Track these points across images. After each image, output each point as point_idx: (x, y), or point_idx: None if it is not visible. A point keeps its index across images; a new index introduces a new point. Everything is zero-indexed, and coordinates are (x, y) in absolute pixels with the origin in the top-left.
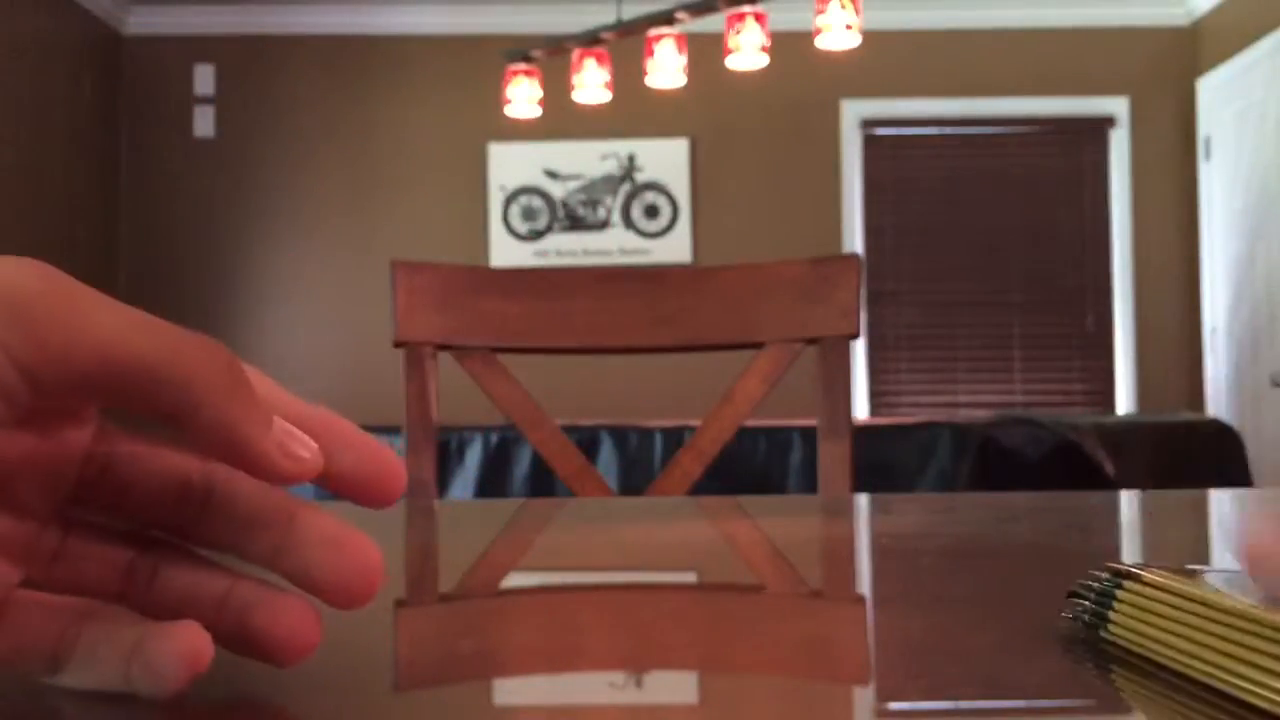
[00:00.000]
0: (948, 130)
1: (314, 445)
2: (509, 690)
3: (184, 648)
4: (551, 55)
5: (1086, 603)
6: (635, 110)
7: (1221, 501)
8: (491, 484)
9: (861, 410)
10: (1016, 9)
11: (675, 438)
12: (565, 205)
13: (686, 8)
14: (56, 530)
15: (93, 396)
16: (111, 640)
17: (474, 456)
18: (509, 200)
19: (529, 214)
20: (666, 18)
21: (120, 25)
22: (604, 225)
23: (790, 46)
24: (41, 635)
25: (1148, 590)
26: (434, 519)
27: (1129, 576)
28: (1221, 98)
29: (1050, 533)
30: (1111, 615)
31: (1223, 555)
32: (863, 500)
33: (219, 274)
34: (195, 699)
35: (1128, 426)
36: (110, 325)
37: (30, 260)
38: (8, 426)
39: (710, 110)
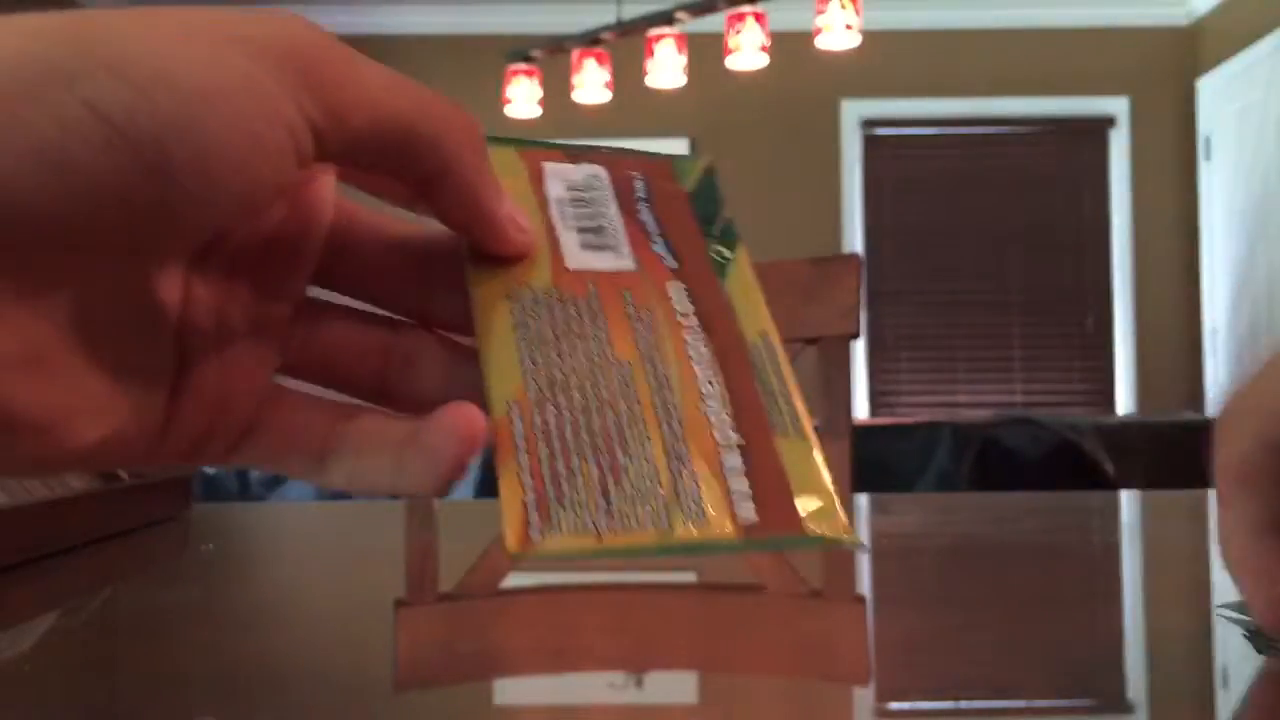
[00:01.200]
0: (948, 130)
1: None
2: (509, 690)
3: (461, 425)
4: (551, 55)
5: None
6: (635, 110)
7: None
8: (491, 484)
9: (861, 410)
10: (1016, 9)
11: None
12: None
13: (686, 8)
14: (308, 316)
15: (359, 157)
16: (382, 432)
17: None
18: None
19: None
20: (666, 18)
21: None
22: None
23: (790, 46)
24: (308, 432)
25: None
26: (434, 519)
27: None
28: (1221, 98)
29: (1050, 533)
30: None
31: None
32: (863, 500)
33: None
34: (198, 698)
35: (1128, 426)
36: (378, 84)
37: (298, 16)
38: (293, 186)
39: (710, 110)
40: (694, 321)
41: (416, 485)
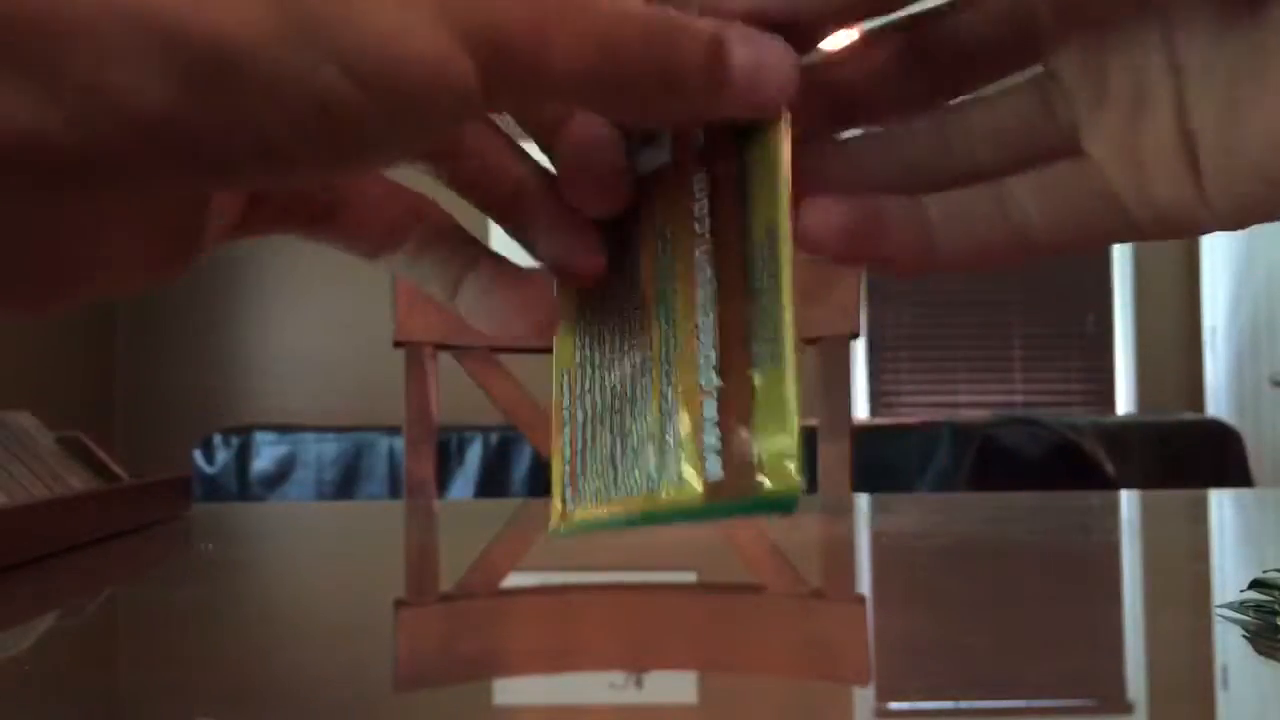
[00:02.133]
0: None
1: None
2: (509, 690)
3: (527, 301)
4: None
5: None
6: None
7: (1221, 501)
8: (491, 484)
9: (861, 410)
10: None
11: None
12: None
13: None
14: None
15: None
16: (449, 244)
17: (474, 456)
18: None
19: None
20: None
21: None
22: None
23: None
24: (380, 218)
25: None
26: (434, 519)
27: None
28: None
29: (1050, 533)
30: None
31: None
32: (863, 500)
33: (219, 273)
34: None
35: (1128, 426)
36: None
37: None
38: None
39: None
40: (706, 225)
41: (466, 315)
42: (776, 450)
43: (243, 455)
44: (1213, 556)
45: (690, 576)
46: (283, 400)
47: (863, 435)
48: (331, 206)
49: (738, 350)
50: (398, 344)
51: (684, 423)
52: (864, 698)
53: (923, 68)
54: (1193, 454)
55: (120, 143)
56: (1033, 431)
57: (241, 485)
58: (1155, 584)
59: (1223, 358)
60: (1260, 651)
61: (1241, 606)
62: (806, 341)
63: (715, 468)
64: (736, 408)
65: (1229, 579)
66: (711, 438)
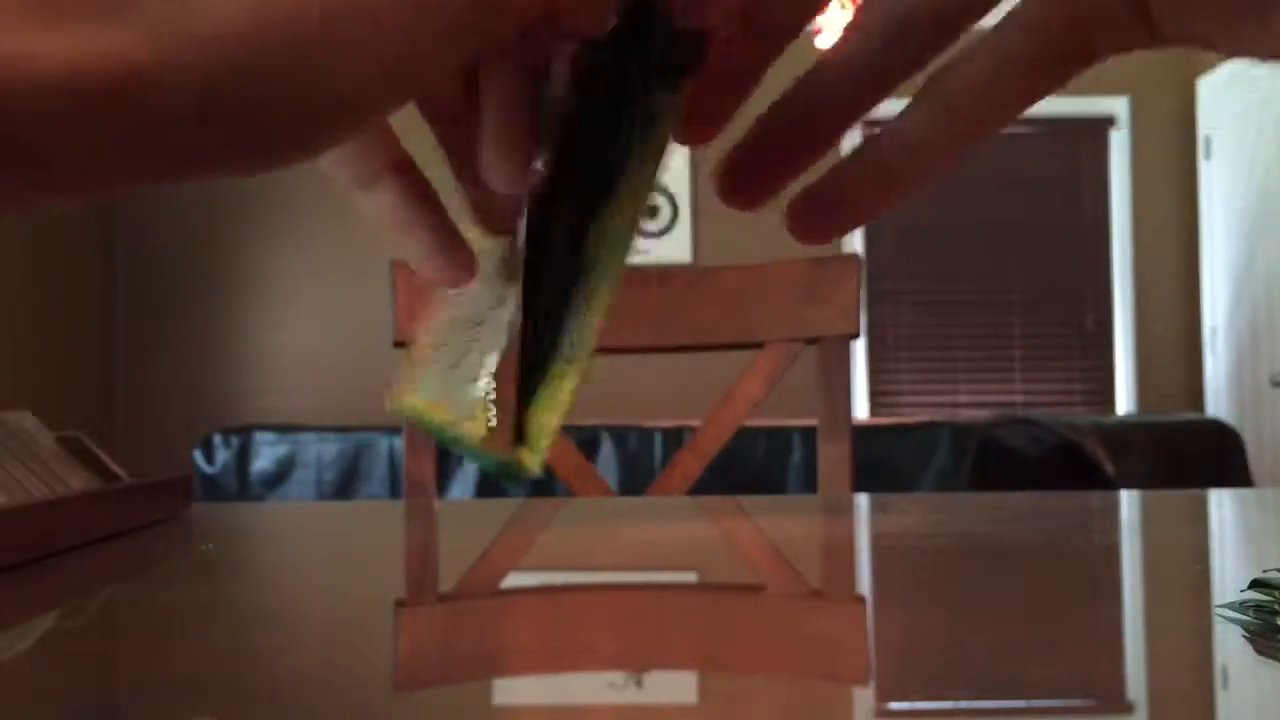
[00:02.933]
0: None
1: None
2: (509, 690)
3: (443, 261)
4: None
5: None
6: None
7: (1221, 501)
8: (491, 484)
9: (861, 410)
10: None
11: (675, 438)
12: None
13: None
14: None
15: None
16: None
17: None
18: None
19: None
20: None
21: None
22: None
23: (789, 46)
24: (368, 154)
25: None
26: (434, 519)
27: None
28: (1222, 98)
29: (1050, 533)
30: None
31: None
32: (863, 500)
33: (219, 273)
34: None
35: (1128, 426)
36: None
37: None
38: None
39: None
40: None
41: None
42: (539, 430)
43: (243, 455)
44: (1213, 556)
45: (690, 576)
46: (283, 400)
47: (863, 435)
48: None
49: (554, 338)
50: (398, 344)
51: (490, 379)
52: (864, 698)
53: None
54: (1193, 454)
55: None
56: (1033, 431)
57: (241, 485)
58: (1155, 584)
59: (1223, 358)
60: (1260, 651)
61: (1241, 606)
62: (807, 341)
63: (490, 419)
64: (528, 381)
65: (1229, 579)
66: (490, 393)
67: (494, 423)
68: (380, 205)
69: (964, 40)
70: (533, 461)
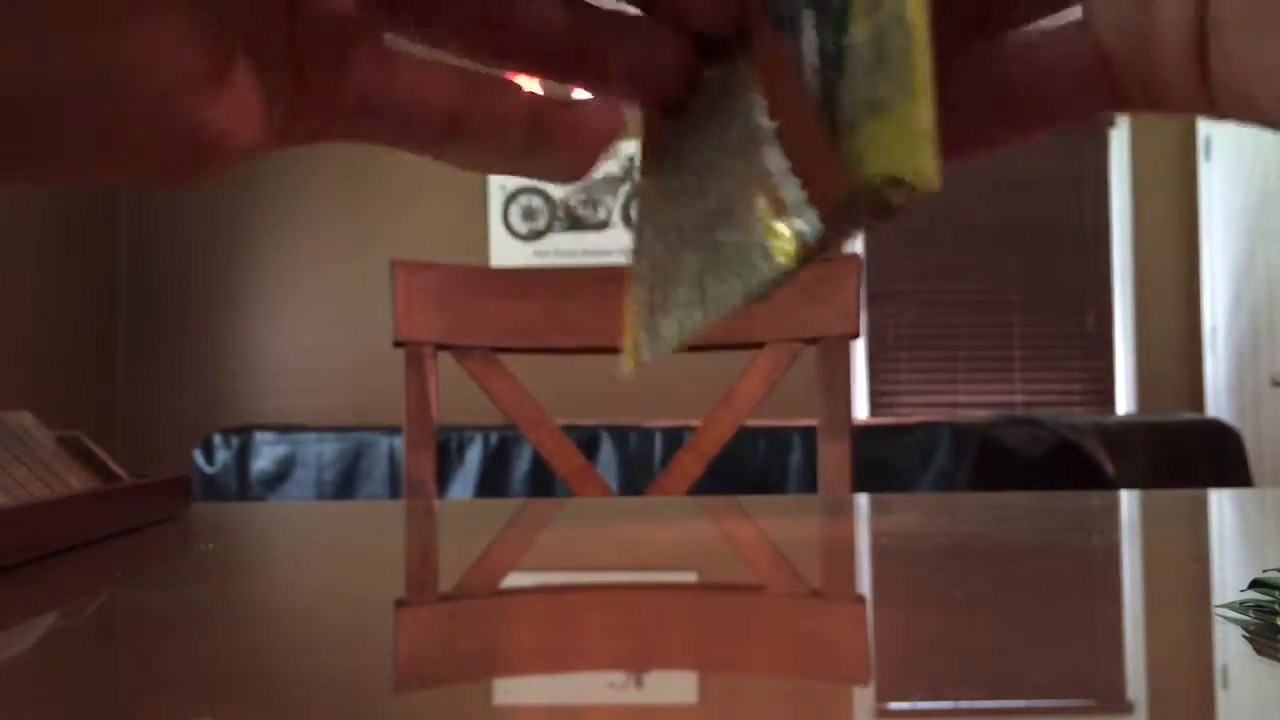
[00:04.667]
0: None
1: None
2: (509, 690)
3: (600, 118)
4: None
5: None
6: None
7: (1221, 501)
8: (491, 484)
9: (861, 410)
10: None
11: (675, 438)
12: (565, 205)
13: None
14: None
15: None
16: (509, 112)
17: (474, 456)
18: (509, 200)
19: (529, 214)
20: None
21: None
22: (604, 225)
23: None
24: (429, 107)
25: None
26: (434, 519)
27: None
28: None
29: (1050, 533)
30: None
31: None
32: (863, 500)
33: (219, 273)
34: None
35: (1128, 426)
36: None
37: None
38: None
39: None
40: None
41: (544, 171)
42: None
43: (243, 455)
44: (1213, 556)
45: (690, 576)
46: (283, 400)
47: (863, 435)
48: (371, 103)
49: (809, 125)
50: (398, 344)
51: (760, 202)
52: (864, 698)
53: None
54: (1193, 454)
55: None
56: (1033, 431)
57: (241, 485)
58: (1155, 584)
59: (1223, 358)
60: (1260, 651)
61: (1241, 606)
62: (807, 341)
63: (809, 224)
64: (819, 142)
65: (1229, 579)
66: (791, 190)
67: (807, 231)
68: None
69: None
70: (926, 172)
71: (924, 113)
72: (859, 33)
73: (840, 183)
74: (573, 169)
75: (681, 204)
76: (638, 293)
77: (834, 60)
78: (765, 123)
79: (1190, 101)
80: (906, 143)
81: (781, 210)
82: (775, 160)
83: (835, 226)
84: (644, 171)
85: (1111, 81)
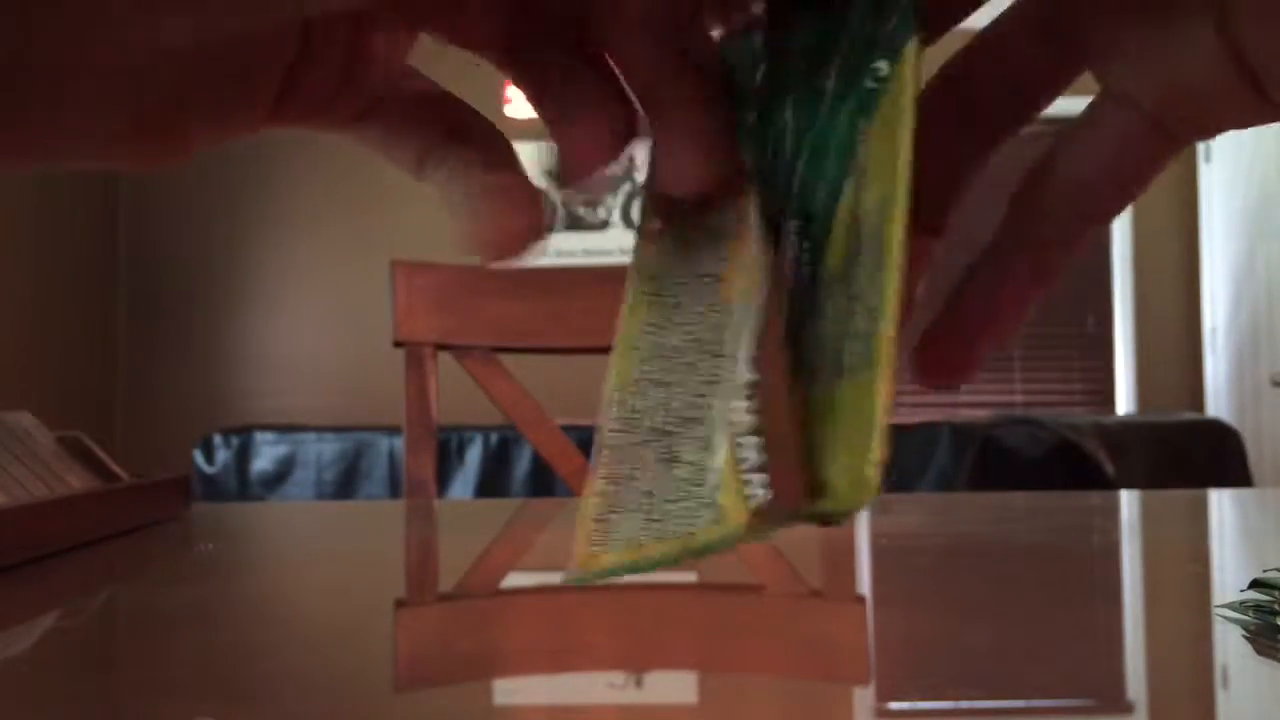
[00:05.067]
0: None
1: None
2: (509, 690)
3: (599, 131)
4: None
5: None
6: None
7: (1221, 501)
8: (491, 484)
9: None
10: None
11: None
12: (565, 205)
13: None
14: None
15: None
16: (468, 172)
17: (474, 456)
18: None
19: None
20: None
21: None
22: (604, 225)
23: None
24: (419, 131)
25: None
26: (434, 519)
27: None
28: None
29: (1050, 533)
30: None
31: (1222, 554)
32: None
33: (219, 273)
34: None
35: (1128, 426)
36: None
37: None
38: None
39: None
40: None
41: (477, 249)
42: (855, 466)
43: (243, 455)
44: (1213, 556)
45: (690, 576)
46: (283, 400)
47: None
48: (375, 105)
49: (777, 369)
50: (398, 344)
51: (722, 442)
52: (864, 698)
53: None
54: (1193, 454)
55: None
56: (1033, 431)
57: (241, 485)
58: (1155, 584)
59: (1223, 358)
60: (1260, 651)
61: (1241, 606)
62: None
63: (759, 490)
64: (791, 413)
65: (1229, 579)
66: (751, 453)
67: (759, 494)
68: (449, 180)
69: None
70: (856, 497)
71: (881, 391)
72: (833, 260)
73: (794, 484)
74: (489, 253)
75: (653, 388)
76: (600, 477)
77: (806, 286)
78: (746, 367)
79: (1265, 118)
80: (860, 447)
81: (735, 466)
82: (741, 412)
83: (783, 513)
84: (631, 300)
85: (1173, 140)
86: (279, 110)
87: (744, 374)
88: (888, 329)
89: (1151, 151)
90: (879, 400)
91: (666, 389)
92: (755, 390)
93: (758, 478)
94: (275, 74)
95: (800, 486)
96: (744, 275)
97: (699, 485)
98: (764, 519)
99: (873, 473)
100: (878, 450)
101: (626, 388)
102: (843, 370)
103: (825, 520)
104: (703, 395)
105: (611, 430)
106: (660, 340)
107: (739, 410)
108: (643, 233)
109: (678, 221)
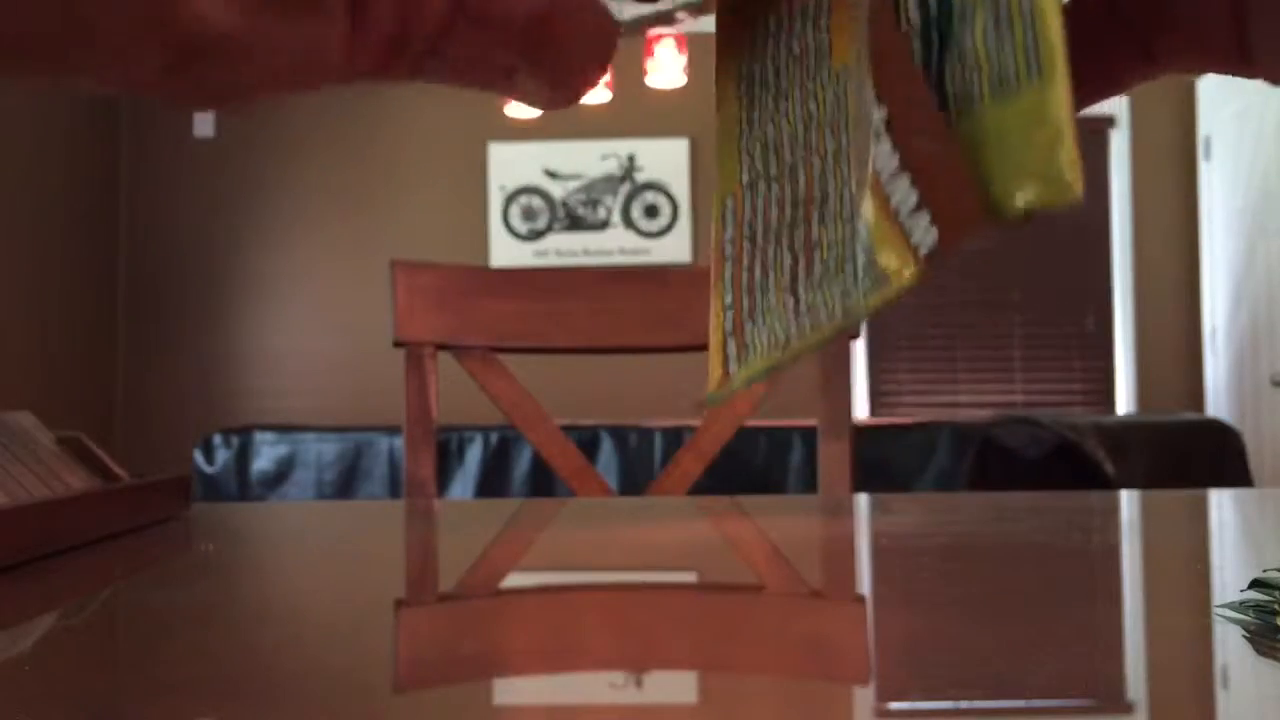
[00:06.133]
0: None
1: None
2: (509, 690)
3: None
4: None
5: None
6: (635, 110)
7: (1221, 501)
8: (491, 484)
9: (861, 410)
10: None
11: (675, 438)
12: (565, 205)
13: (686, 7)
14: None
15: None
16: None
17: (474, 456)
18: (509, 200)
19: (529, 214)
20: (667, 18)
21: None
22: (604, 225)
23: None
24: (491, 53)
25: None
26: (434, 519)
27: None
28: (1221, 98)
29: (1050, 533)
30: None
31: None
32: (863, 500)
33: (219, 273)
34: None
35: (1128, 426)
36: None
37: None
38: None
39: (710, 110)
40: None
41: (532, 98)
42: (1048, 167)
43: (243, 455)
44: (1213, 556)
45: (690, 576)
46: (283, 400)
47: (863, 435)
48: (440, 44)
49: (922, 106)
50: (398, 344)
51: (868, 202)
52: (864, 698)
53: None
54: (1193, 454)
55: None
56: (1033, 431)
57: (241, 485)
58: (1155, 584)
59: (1223, 358)
60: (1260, 651)
61: (1241, 606)
62: None
63: (924, 234)
64: (947, 140)
65: (1229, 579)
66: (909, 198)
67: (927, 238)
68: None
69: None
70: (1058, 194)
71: (1060, 95)
72: None
73: (962, 194)
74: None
75: (767, 185)
76: (724, 286)
77: (936, 18)
78: (874, 107)
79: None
80: (1042, 145)
81: (890, 216)
82: (884, 154)
83: (954, 238)
84: (722, 99)
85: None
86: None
87: (876, 115)
88: (1053, 28)
89: (1122, 61)
90: (1060, 105)
91: (787, 181)
92: (893, 127)
93: (920, 219)
94: None
95: (973, 209)
96: (854, 37)
97: (849, 258)
98: (935, 260)
99: (1071, 171)
100: (1071, 149)
101: (738, 195)
102: (1009, 88)
103: (1017, 219)
104: (830, 173)
105: (731, 241)
106: (767, 133)
107: (883, 155)
108: (724, 29)
109: (764, 5)
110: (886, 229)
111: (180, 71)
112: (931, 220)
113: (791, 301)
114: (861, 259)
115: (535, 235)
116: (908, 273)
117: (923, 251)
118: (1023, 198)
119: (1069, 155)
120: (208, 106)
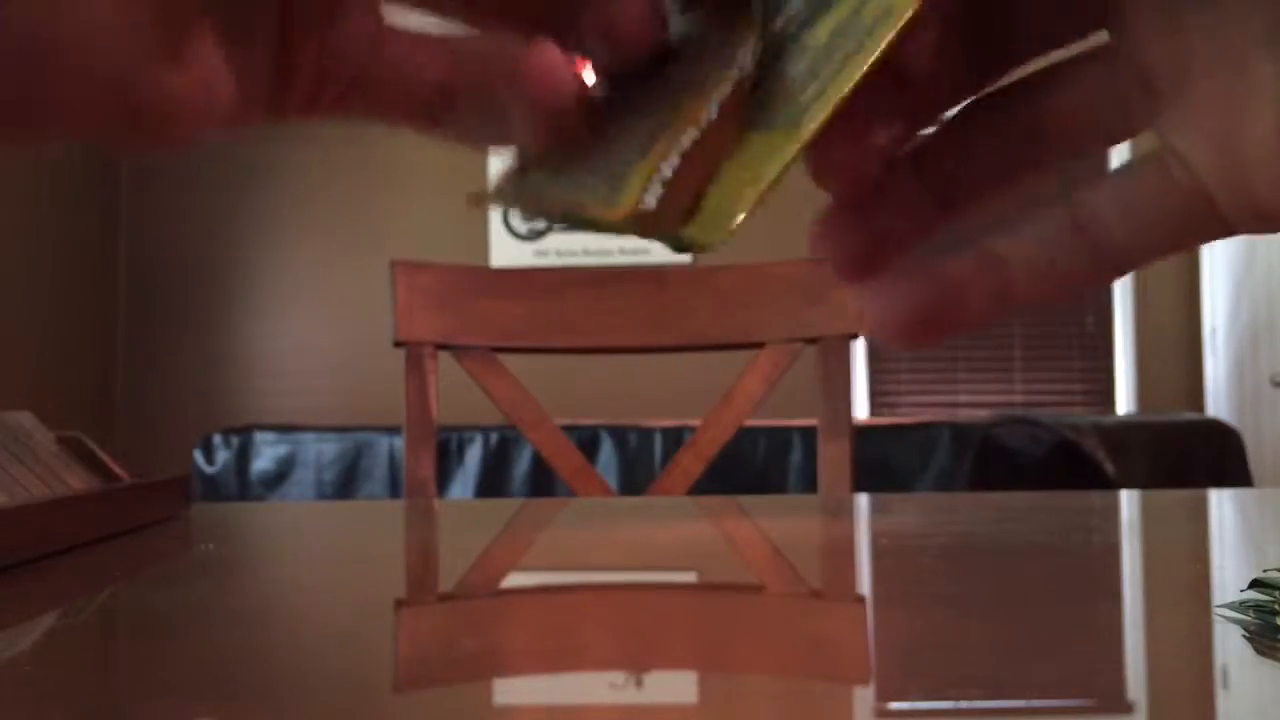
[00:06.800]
0: None
1: None
2: (509, 690)
3: (542, 70)
4: None
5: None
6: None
7: (1221, 501)
8: (491, 484)
9: (861, 410)
10: None
11: (675, 438)
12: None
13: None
14: None
15: None
16: (490, 84)
17: (474, 456)
18: None
19: None
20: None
21: None
22: None
23: None
24: (424, 68)
25: None
26: (434, 519)
27: None
28: None
29: (1050, 533)
30: None
31: (1222, 554)
32: (863, 500)
33: (219, 273)
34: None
35: (1128, 426)
36: None
37: None
38: None
39: None
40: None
41: (516, 139)
42: (726, 208)
43: (243, 455)
44: (1213, 556)
45: (690, 576)
46: (283, 400)
47: (863, 435)
48: (362, 80)
49: (758, 103)
50: (398, 344)
51: (659, 145)
52: (864, 698)
53: (973, 41)
54: (1193, 454)
55: None
56: (1033, 431)
57: (241, 485)
58: (1155, 584)
59: (1223, 358)
60: (1260, 651)
61: (1241, 606)
62: (807, 341)
63: (651, 198)
64: (711, 151)
65: (1229, 579)
66: (667, 169)
67: (648, 201)
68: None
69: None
70: (710, 235)
71: (784, 153)
72: (821, 33)
73: (680, 205)
74: (530, 135)
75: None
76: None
77: (788, 46)
78: (713, 106)
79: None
80: (741, 194)
81: (651, 173)
82: (690, 135)
83: (657, 226)
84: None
85: (1212, 212)
86: (282, 85)
87: (712, 109)
88: (824, 107)
89: (1195, 227)
90: (780, 160)
91: (666, 81)
92: (709, 127)
93: (655, 188)
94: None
95: (682, 209)
96: (746, 34)
97: (617, 169)
98: (638, 222)
99: (734, 220)
100: (751, 201)
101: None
102: (773, 124)
103: (679, 246)
104: (676, 99)
105: (599, 102)
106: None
107: (690, 134)
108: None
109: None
110: (640, 174)
111: (128, 124)
112: (660, 197)
113: (569, 169)
114: (617, 180)
115: (535, 235)
116: (620, 214)
117: (640, 207)
118: (689, 230)
119: (745, 206)
120: (145, 150)
